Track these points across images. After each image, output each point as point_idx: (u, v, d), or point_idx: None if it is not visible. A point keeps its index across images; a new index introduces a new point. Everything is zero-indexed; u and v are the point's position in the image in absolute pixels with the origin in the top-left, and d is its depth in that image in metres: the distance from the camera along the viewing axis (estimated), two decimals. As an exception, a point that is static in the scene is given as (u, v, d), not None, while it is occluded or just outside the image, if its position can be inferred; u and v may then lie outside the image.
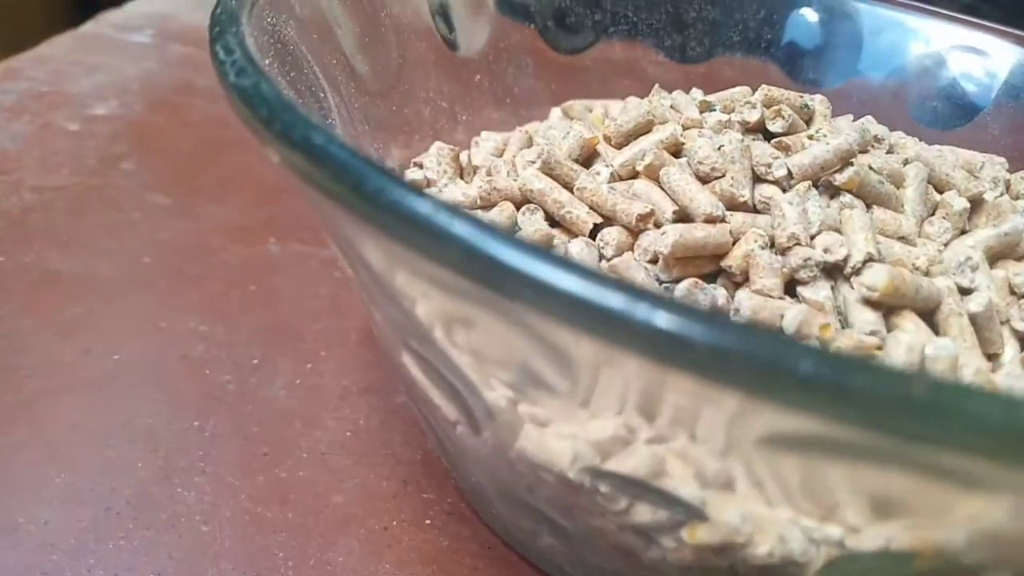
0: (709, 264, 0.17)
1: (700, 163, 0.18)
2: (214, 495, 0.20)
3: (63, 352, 0.23)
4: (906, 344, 0.15)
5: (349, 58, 0.21)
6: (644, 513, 0.14)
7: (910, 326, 0.16)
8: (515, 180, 0.20)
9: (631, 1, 0.29)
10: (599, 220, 0.18)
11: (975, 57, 0.28)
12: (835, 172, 0.18)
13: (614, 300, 0.08)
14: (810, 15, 0.30)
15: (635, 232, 0.18)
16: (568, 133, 0.20)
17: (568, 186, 0.19)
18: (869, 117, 0.24)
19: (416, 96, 0.24)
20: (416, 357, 0.16)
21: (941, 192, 0.20)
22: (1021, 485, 0.09)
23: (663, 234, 0.17)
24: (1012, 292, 0.18)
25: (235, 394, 0.22)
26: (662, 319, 0.08)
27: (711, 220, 0.17)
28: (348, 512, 0.20)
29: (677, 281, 0.17)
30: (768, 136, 0.20)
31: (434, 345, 0.14)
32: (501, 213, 0.19)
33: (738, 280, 0.17)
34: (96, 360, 0.23)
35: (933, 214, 0.19)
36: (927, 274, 0.17)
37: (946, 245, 0.18)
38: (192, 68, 0.40)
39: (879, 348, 0.15)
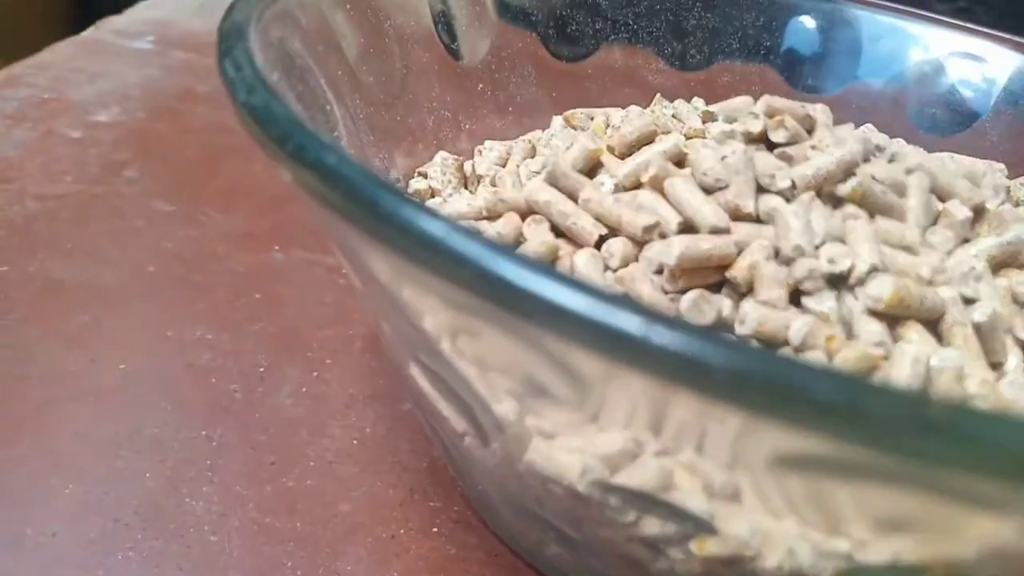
0: (714, 275, 0.17)
1: (704, 174, 0.18)
2: (222, 505, 0.20)
3: (69, 362, 0.23)
4: (911, 355, 0.15)
5: (354, 69, 0.21)
6: (653, 525, 0.14)
7: (915, 336, 0.16)
8: (520, 191, 0.20)
9: (632, 9, 0.29)
10: (605, 231, 0.18)
11: (974, 63, 0.29)
12: (838, 183, 0.18)
13: (631, 324, 0.09)
14: (809, 22, 0.30)
15: (640, 243, 0.18)
16: (572, 144, 0.20)
17: (573, 197, 0.19)
18: (869, 125, 0.24)
19: (420, 105, 0.24)
20: (424, 369, 0.16)
21: (944, 201, 0.20)
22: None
23: (669, 246, 0.17)
24: (1015, 301, 0.18)
25: (242, 403, 0.22)
26: (678, 342, 0.08)
27: (716, 232, 0.17)
28: (356, 521, 0.20)
29: (683, 292, 0.17)
30: (771, 147, 0.20)
31: (442, 357, 0.14)
32: (507, 224, 0.19)
33: (743, 291, 0.17)
34: (102, 369, 0.23)
35: (936, 223, 0.19)
36: (931, 284, 0.17)
37: (949, 254, 0.19)
38: (193, 74, 0.40)
39: (885, 359, 0.15)
